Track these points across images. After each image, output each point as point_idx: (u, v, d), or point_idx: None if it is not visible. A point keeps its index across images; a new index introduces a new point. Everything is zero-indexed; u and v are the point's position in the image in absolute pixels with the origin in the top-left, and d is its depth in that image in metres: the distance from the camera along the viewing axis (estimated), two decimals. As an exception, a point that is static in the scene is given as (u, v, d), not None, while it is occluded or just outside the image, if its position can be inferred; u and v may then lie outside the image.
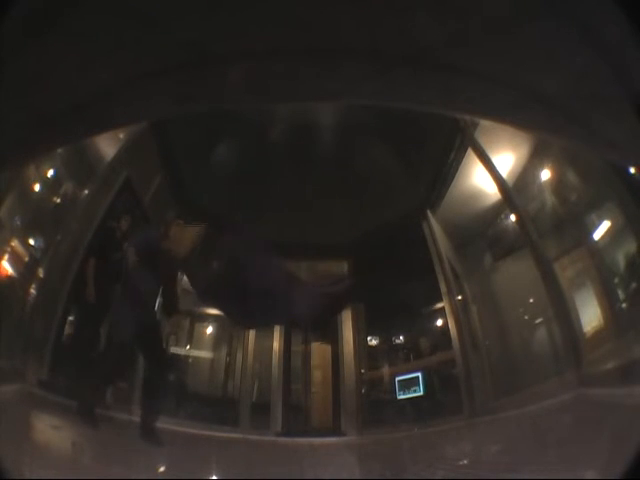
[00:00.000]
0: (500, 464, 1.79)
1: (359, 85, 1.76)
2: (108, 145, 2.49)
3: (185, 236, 1.92)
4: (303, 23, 1.55)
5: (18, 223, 2.25)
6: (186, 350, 2.79)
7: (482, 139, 2.46)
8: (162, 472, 1.86)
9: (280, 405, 2.60)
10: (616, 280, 2.17)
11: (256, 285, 1.90)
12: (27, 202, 2.28)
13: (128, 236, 2.46)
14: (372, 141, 2.63)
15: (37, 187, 2.34)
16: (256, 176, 2.50)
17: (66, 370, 2.29)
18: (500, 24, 1.45)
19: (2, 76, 1.31)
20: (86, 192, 2.55)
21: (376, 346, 2.80)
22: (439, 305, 2.63)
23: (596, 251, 2.26)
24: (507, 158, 2.48)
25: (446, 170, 2.71)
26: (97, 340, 2.40)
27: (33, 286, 2.29)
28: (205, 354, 2.86)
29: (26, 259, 2.27)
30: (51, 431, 1.91)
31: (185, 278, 2.65)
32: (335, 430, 2.56)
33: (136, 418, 2.20)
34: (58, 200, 2.47)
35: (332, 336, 2.71)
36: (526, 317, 2.51)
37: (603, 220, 2.19)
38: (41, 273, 2.35)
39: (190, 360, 2.80)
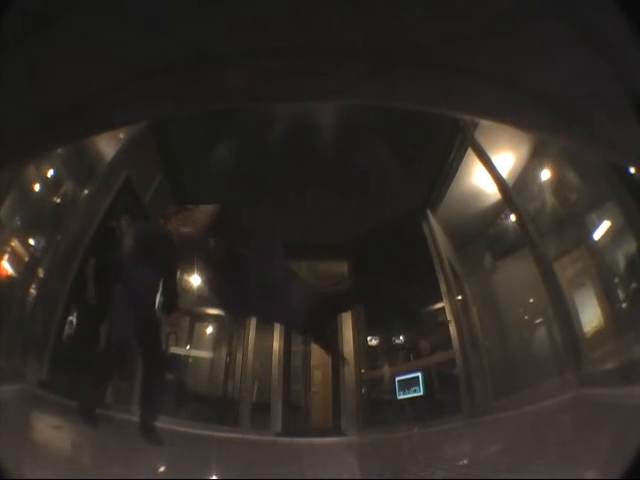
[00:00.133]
0: (500, 464, 1.79)
1: (359, 85, 1.76)
2: (108, 145, 2.49)
3: (192, 218, 1.93)
4: (303, 23, 1.55)
5: (18, 223, 2.25)
6: (186, 350, 2.79)
7: (482, 139, 2.46)
8: (162, 472, 1.86)
9: (280, 405, 2.60)
10: (616, 280, 2.17)
11: (257, 282, 1.91)
12: (27, 202, 2.28)
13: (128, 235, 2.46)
14: (372, 141, 2.63)
15: (37, 187, 2.34)
16: (256, 176, 2.50)
17: (66, 370, 2.29)
18: (500, 24, 1.45)
19: (2, 76, 1.31)
20: (86, 192, 2.55)
21: (376, 346, 2.80)
22: (439, 305, 2.63)
23: (596, 251, 2.26)
24: (507, 158, 2.48)
25: (446, 170, 2.71)
26: (97, 340, 2.40)
27: (33, 286, 2.29)
28: (205, 354, 2.86)
29: (26, 259, 2.27)
30: (51, 431, 1.91)
31: (184, 277, 2.65)
32: (335, 430, 2.56)
33: (136, 418, 2.20)
34: (58, 200, 2.47)
35: (332, 336, 2.71)
36: (526, 317, 2.51)
37: (603, 220, 2.19)
38: (41, 273, 2.35)
39: (190, 360, 2.80)
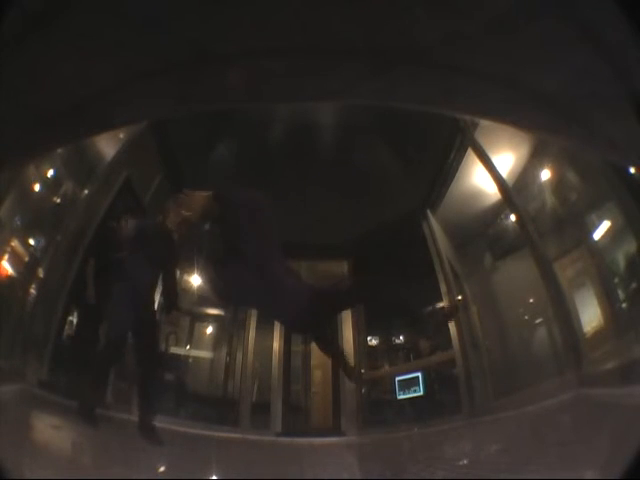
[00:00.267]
0: (500, 464, 1.78)
1: (359, 85, 1.76)
2: (108, 145, 2.49)
3: (190, 202, 1.93)
4: (303, 23, 1.55)
5: (18, 223, 2.25)
6: (186, 350, 2.79)
7: (482, 139, 2.46)
8: (162, 472, 1.86)
9: (280, 405, 2.61)
10: (616, 280, 2.17)
11: (255, 275, 1.91)
12: (27, 202, 2.28)
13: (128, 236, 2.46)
14: (372, 141, 2.63)
15: (37, 187, 2.34)
16: (256, 176, 2.50)
17: (66, 370, 2.29)
18: (500, 24, 1.45)
19: (2, 76, 1.31)
20: (86, 192, 2.55)
21: (376, 346, 2.80)
22: (439, 305, 2.64)
23: (596, 251, 2.26)
24: (507, 158, 2.48)
25: (446, 170, 2.71)
26: (97, 340, 2.40)
27: (33, 286, 2.29)
28: (205, 354, 2.86)
29: (26, 259, 2.27)
30: (51, 431, 1.91)
31: (184, 277, 2.65)
32: (335, 430, 2.56)
33: (136, 418, 2.20)
34: (58, 200, 2.47)
35: (332, 336, 2.71)
36: (526, 317, 2.51)
37: (603, 220, 2.19)
38: (41, 273, 2.35)
39: (190, 360, 2.80)
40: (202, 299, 2.74)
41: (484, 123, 2.35)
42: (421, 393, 2.49)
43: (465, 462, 1.94)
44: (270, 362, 2.70)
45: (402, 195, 2.73)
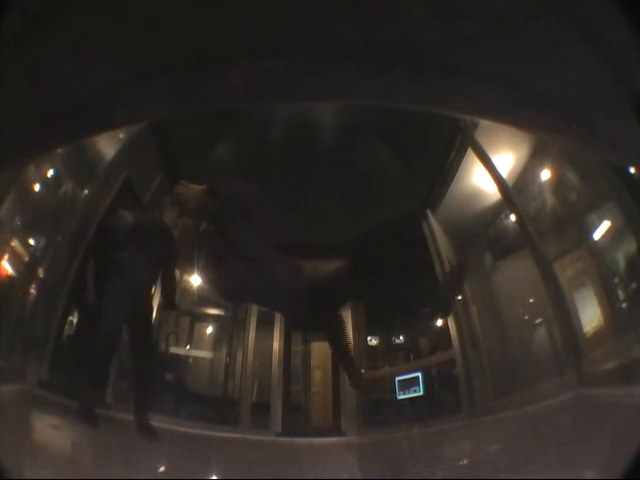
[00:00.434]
0: (500, 464, 1.79)
1: (359, 85, 1.76)
2: (108, 145, 2.49)
3: (186, 193, 1.94)
4: (303, 23, 1.55)
5: (18, 223, 2.25)
6: (186, 350, 2.79)
7: (482, 139, 2.46)
8: (162, 472, 1.86)
9: (280, 405, 2.60)
10: (616, 280, 2.17)
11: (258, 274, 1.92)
12: (27, 202, 2.28)
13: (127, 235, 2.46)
14: (372, 141, 2.63)
15: (37, 187, 2.34)
16: (256, 176, 2.50)
17: (66, 370, 2.29)
18: (500, 24, 1.45)
19: (2, 76, 1.31)
20: (86, 192, 2.55)
21: (376, 346, 2.80)
22: (439, 305, 2.63)
23: (596, 251, 2.26)
24: (507, 158, 2.48)
25: (446, 170, 2.71)
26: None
27: (33, 286, 2.29)
28: (205, 354, 2.86)
29: (26, 259, 2.27)
30: (51, 431, 1.91)
31: (184, 277, 2.65)
32: (335, 430, 2.56)
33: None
34: (58, 200, 2.47)
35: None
36: (526, 317, 2.51)
37: (603, 220, 2.19)
38: (41, 273, 2.35)
39: (190, 360, 2.80)
40: (202, 299, 2.74)
41: (484, 123, 2.35)
42: (421, 393, 2.49)
43: (465, 462, 1.94)
44: (270, 362, 2.69)
45: (402, 195, 2.72)
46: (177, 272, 2.55)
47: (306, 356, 2.78)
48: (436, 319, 2.67)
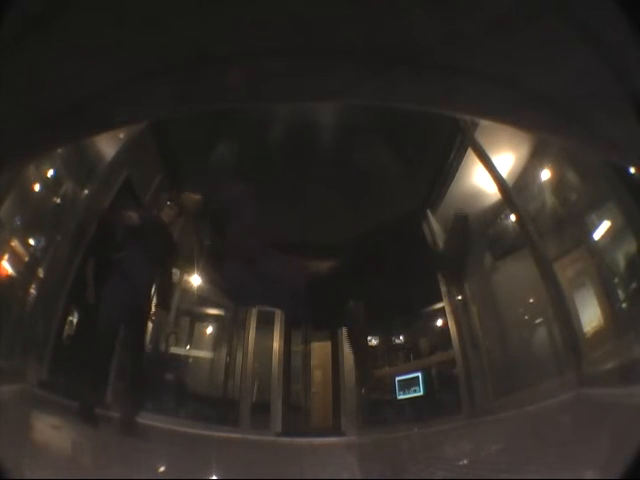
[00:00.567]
0: (500, 464, 1.79)
1: (359, 85, 1.76)
2: (108, 145, 2.49)
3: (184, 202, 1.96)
4: (303, 23, 1.55)
5: (18, 223, 2.25)
6: (186, 350, 2.79)
7: (482, 139, 2.46)
8: (162, 472, 1.86)
9: (280, 405, 2.60)
10: (616, 280, 2.17)
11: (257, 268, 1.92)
12: (27, 202, 2.28)
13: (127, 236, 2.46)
14: (372, 141, 2.63)
15: (37, 187, 2.34)
16: (256, 176, 2.50)
17: (66, 370, 2.29)
18: (500, 24, 1.45)
19: (2, 76, 1.31)
20: (86, 192, 2.55)
21: (376, 346, 2.80)
22: (439, 305, 2.63)
23: (596, 251, 2.26)
24: (507, 158, 2.48)
25: (446, 170, 2.71)
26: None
27: (33, 286, 2.29)
28: (205, 354, 2.86)
29: (26, 259, 2.28)
30: (51, 431, 1.91)
31: (184, 277, 2.65)
32: (335, 430, 2.56)
33: (137, 419, 2.20)
34: (58, 200, 2.47)
35: (332, 336, 2.71)
36: (526, 317, 2.51)
37: (603, 220, 2.19)
38: (41, 273, 2.35)
39: (190, 360, 2.80)
40: (202, 299, 2.74)
41: (484, 123, 2.35)
42: (421, 393, 2.49)
43: (465, 462, 1.94)
44: (270, 362, 2.69)
45: (402, 195, 2.72)
46: (174, 272, 2.55)
47: (306, 356, 2.78)
48: (436, 319, 2.67)
